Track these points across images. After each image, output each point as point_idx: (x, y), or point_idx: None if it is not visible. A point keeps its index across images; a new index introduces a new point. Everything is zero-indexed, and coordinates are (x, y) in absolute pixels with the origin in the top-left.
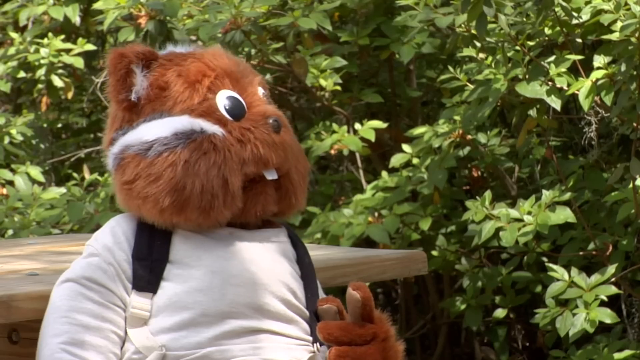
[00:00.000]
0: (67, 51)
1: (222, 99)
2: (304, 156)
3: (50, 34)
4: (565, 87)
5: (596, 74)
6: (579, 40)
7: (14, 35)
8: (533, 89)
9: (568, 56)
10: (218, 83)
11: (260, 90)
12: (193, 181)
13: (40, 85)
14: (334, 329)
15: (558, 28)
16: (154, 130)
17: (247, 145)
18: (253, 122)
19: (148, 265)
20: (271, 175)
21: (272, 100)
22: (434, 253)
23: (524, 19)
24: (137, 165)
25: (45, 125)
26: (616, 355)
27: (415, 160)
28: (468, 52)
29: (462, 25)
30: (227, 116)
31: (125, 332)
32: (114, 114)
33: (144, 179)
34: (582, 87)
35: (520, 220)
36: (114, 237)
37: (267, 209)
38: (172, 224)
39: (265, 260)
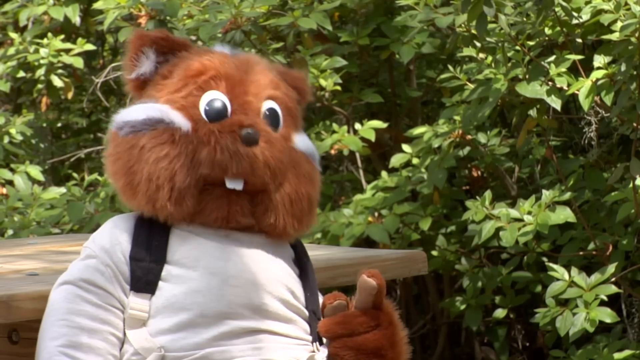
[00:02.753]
0: (67, 51)
1: (206, 99)
2: (306, 180)
3: (50, 34)
4: (565, 87)
5: (596, 74)
6: (579, 40)
7: (14, 35)
8: (533, 89)
9: (568, 56)
10: (211, 83)
11: (267, 105)
12: (143, 168)
13: (40, 85)
14: (332, 325)
15: (558, 28)
16: (133, 112)
17: (206, 147)
18: (223, 127)
19: (146, 267)
20: (233, 185)
21: (292, 119)
22: (434, 253)
23: (524, 19)
24: (113, 141)
25: (45, 125)
26: (616, 355)
27: (415, 160)
28: (468, 52)
29: (462, 25)
30: (203, 116)
31: (124, 334)
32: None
33: (113, 156)
34: (582, 87)
35: (520, 220)
36: (111, 239)
37: (235, 218)
38: (133, 207)
39: (264, 261)
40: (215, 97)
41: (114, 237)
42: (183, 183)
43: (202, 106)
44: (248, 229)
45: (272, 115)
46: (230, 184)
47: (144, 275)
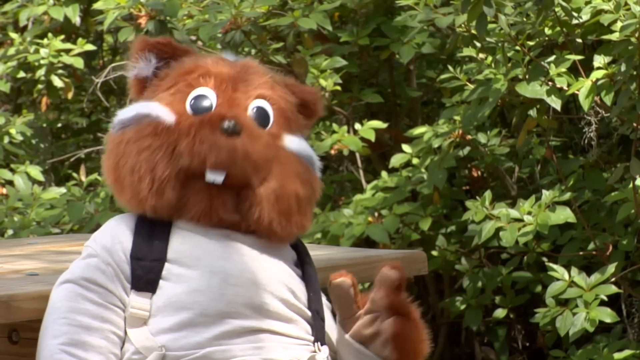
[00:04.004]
0: (67, 51)
1: (194, 94)
2: (295, 178)
3: (50, 34)
4: (565, 87)
5: (596, 74)
6: (579, 40)
7: (14, 35)
8: (533, 89)
9: (568, 56)
10: (200, 80)
11: (256, 103)
12: (126, 161)
13: (40, 86)
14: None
15: (558, 28)
16: (126, 111)
17: (186, 138)
18: (204, 119)
19: (147, 265)
20: (214, 177)
21: (285, 120)
22: (434, 253)
23: (524, 19)
24: (108, 141)
25: (45, 125)
26: (616, 355)
27: (415, 160)
28: (468, 52)
29: (462, 25)
30: (189, 110)
31: (125, 333)
32: None
33: (106, 154)
34: (582, 87)
35: (520, 220)
36: (112, 238)
37: (217, 213)
38: (123, 205)
39: (264, 261)
40: (202, 93)
41: (115, 236)
42: (163, 174)
43: (189, 101)
44: (236, 227)
45: (260, 113)
46: (210, 176)
47: (145, 274)
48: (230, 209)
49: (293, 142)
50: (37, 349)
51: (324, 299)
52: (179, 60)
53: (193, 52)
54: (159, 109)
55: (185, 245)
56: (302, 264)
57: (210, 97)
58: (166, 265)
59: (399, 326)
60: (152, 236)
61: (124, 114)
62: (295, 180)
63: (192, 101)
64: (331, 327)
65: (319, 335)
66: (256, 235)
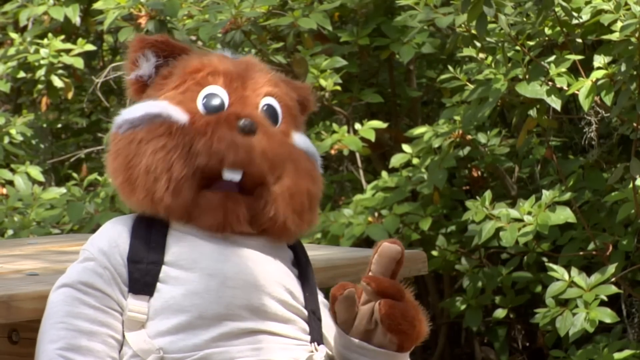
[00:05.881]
0: (67, 51)
1: (204, 93)
2: (306, 176)
3: (50, 35)
4: (565, 87)
5: (596, 74)
6: (579, 40)
7: (14, 35)
8: (533, 89)
9: (568, 56)
10: (209, 79)
11: (265, 101)
12: (140, 160)
13: (40, 86)
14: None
15: (558, 28)
16: (133, 110)
17: (203, 137)
18: (220, 118)
19: (144, 268)
20: (231, 175)
21: (291, 117)
22: (434, 253)
23: (524, 19)
24: (113, 140)
25: (45, 125)
26: (616, 355)
27: (415, 160)
28: (468, 52)
29: (462, 25)
30: (201, 108)
31: (123, 336)
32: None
33: (113, 154)
34: (582, 87)
35: (520, 220)
36: (109, 241)
37: (231, 226)
38: (132, 205)
39: (262, 262)
40: (213, 91)
41: (112, 239)
42: (180, 173)
43: (200, 100)
44: (244, 233)
45: (270, 111)
46: (227, 175)
47: (142, 277)
48: (243, 220)
49: (300, 139)
50: (35, 354)
51: (321, 297)
52: (178, 58)
53: (191, 50)
54: (170, 108)
55: (182, 247)
56: (298, 262)
57: (221, 95)
58: (163, 268)
59: (387, 307)
60: (149, 239)
61: (130, 113)
62: (306, 177)
63: (204, 100)
64: (328, 326)
65: (316, 335)
66: (267, 234)
